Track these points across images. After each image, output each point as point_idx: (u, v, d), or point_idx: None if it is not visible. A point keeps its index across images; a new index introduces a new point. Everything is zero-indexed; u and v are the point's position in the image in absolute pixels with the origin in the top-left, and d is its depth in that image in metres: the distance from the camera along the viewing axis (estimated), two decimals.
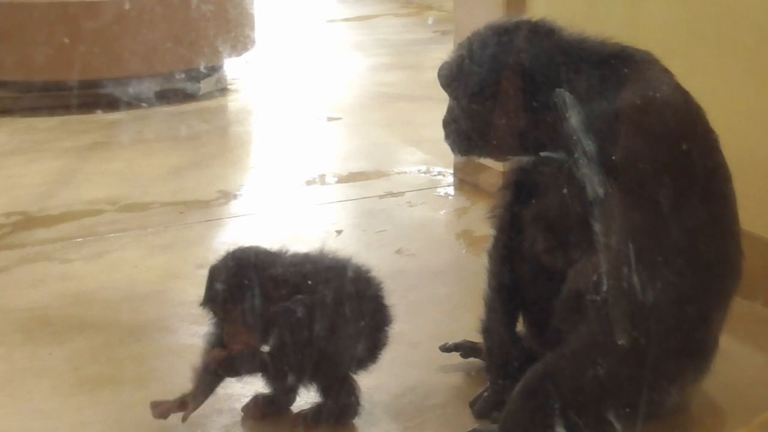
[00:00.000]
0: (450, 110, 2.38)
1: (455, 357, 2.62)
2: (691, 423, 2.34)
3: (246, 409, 2.40)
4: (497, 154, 2.43)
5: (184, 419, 2.27)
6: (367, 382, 2.43)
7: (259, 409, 2.39)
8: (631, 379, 2.11)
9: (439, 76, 2.35)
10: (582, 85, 2.12)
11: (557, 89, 2.12)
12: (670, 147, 2.09)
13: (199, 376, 2.31)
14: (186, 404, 2.29)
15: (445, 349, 2.63)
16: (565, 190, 2.13)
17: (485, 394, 2.42)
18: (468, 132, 2.33)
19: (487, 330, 2.46)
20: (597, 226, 2.06)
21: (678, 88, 2.17)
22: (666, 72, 2.19)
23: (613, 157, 2.06)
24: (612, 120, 2.07)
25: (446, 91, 2.36)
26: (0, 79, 5.28)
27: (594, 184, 2.05)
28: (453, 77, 2.31)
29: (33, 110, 5.22)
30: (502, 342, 2.43)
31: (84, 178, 4.24)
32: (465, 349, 2.62)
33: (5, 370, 2.68)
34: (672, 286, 2.06)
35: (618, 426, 2.12)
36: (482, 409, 2.40)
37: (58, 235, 3.61)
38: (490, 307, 2.45)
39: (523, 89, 2.19)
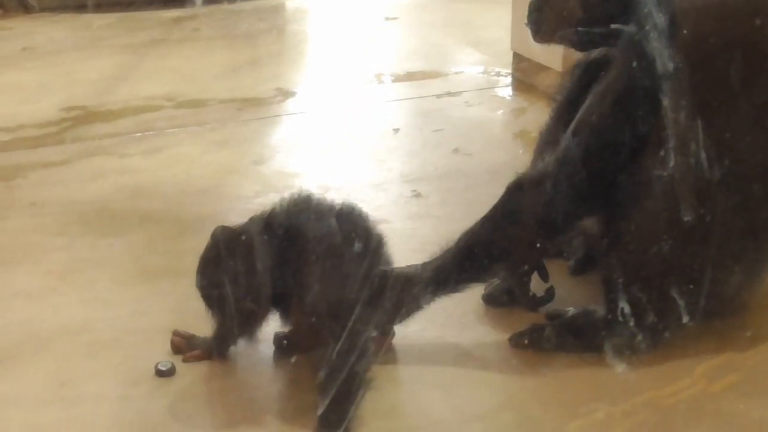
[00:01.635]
0: None
1: None
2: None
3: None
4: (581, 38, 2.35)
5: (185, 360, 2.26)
6: None
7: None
8: (696, 257, 2.12)
9: None
10: None
11: None
12: (743, 23, 2.07)
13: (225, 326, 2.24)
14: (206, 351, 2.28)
15: None
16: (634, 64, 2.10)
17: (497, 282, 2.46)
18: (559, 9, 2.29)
19: None
20: (666, 101, 2.04)
21: None
22: None
23: (685, 32, 2.04)
24: None
25: None
26: None
27: (664, 58, 2.03)
28: None
29: (91, 7, 5.23)
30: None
31: (142, 74, 4.26)
32: None
33: (67, 260, 2.73)
34: (741, 163, 2.06)
35: (681, 302, 2.13)
36: (492, 295, 2.45)
37: (116, 130, 3.64)
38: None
39: None
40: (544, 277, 2.45)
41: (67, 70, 4.31)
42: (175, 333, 2.32)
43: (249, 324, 2.19)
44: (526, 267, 2.40)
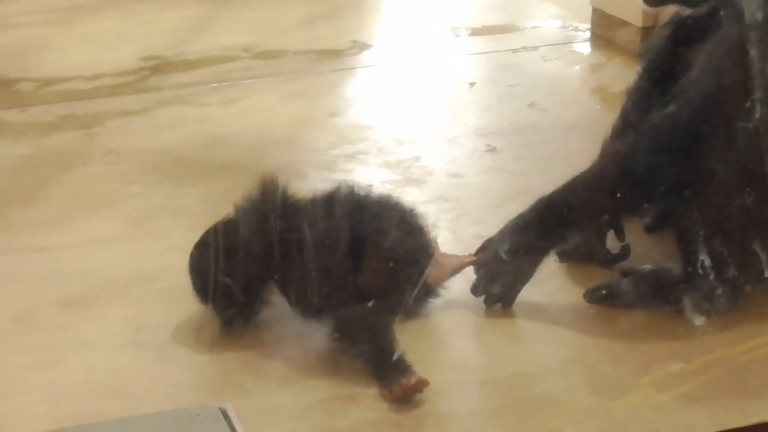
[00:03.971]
0: None
1: None
2: None
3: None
4: None
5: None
6: (497, 231, 2.44)
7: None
8: None
9: None
10: None
11: None
12: None
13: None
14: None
15: None
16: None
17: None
18: None
19: None
20: (753, 51, 2.02)
21: None
22: None
23: None
24: None
25: None
26: None
27: (753, 7, 2.00)
28: None
29: None
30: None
31: (219, 24, 4.27)
32: None
33: (143, 208, 2.76)
34: None
35: (764, 257, 2.11)
36: (566, 251, 2.41)
37: (193, 80, 3.66)
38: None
39: None
40: (621, 236, 2.43)
41: (145, 19, 4.34)
42: None
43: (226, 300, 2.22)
44: (604, 224, 2.39)
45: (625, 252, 2.41)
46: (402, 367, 2.01)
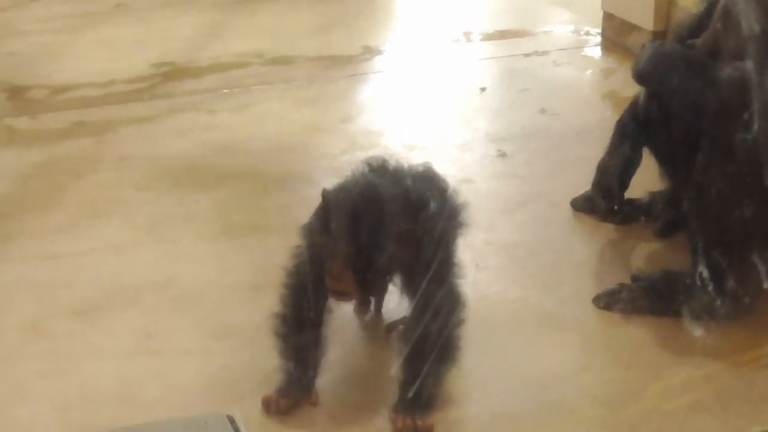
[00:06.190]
0: None
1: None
2: None
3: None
4: None
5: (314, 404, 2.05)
6: (507, 237, 2.44)
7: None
8: None
9: None
10: None
11: None
12: None
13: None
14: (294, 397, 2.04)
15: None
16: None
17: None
18: None
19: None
20: (750, 64, 2.01)
21: None
22: None
23: None
24: None
25: None
26: None
27: (750, 20, 2.00)
28: None
29: None
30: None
31: (231, 31, 4.27)
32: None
33: (153, 215, 2.77)
34: None
35: (763, 268, 2.11)
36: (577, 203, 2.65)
37: (205, 86, 3.66)
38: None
39: None
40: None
41: (157, 26, 4.34)
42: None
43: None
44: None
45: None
46: (424, 402, 1.96)
